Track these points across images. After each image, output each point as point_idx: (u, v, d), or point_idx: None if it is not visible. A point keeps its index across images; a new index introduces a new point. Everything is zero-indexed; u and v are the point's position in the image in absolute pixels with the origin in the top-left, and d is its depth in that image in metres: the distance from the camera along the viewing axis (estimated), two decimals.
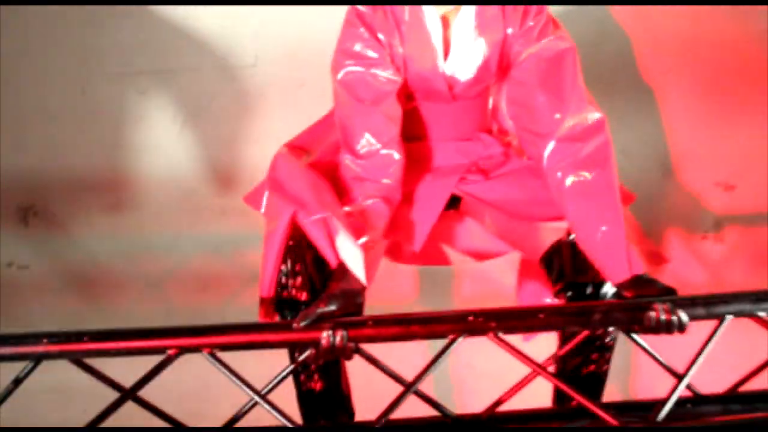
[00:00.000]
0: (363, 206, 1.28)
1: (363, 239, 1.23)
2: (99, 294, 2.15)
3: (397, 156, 1.36)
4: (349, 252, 1.20)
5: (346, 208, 1.28)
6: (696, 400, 1.21)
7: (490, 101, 1.55)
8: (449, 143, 1.49)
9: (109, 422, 1.11)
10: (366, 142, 1.35)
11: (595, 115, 1.32)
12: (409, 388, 1.14)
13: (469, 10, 1.37)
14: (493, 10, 1.38)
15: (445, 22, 1.39)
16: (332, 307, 1.14)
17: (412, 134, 1.48)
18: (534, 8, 1.38)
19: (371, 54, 1.36)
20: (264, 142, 1.93)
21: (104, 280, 2.16)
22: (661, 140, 2.18)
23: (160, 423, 1.13)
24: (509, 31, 1.39)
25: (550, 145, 1.32)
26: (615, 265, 1.24)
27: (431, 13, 1.37)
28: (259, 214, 1.41)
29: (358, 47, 1.36)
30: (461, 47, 1.39)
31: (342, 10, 1.42)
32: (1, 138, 2.18)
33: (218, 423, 1.14)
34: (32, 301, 2.14)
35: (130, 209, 2.19)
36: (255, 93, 2.17)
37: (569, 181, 1.29)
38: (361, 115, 1.35)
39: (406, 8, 1.37)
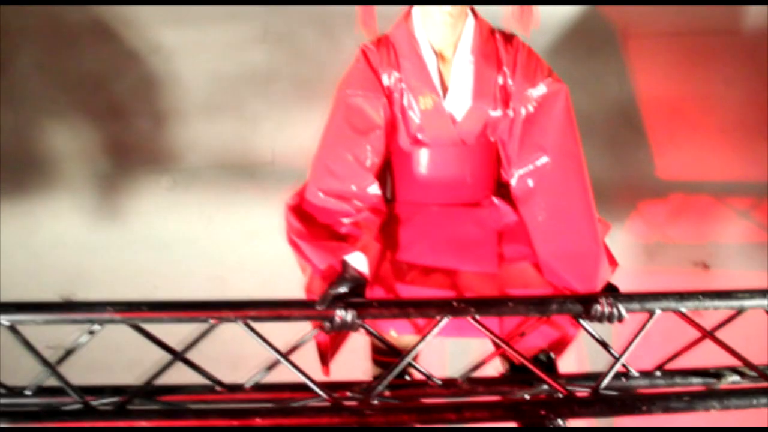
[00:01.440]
0: (357, 219, 1.66)
1: (360, 243, 1.63)
2: None
3: (375, 183, 1.69)
4: (353, 256, 1.61)
5: (345, 220, 1.66)
6: (628, 375, 1.59)
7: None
8: (465, 210, 1.78)
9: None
10: (350, 163, 1.67)
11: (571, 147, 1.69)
12: (404, 358, 1.52)
13: (466, 48, 1.72)
14: (490, 48, 1.74)
15: (442, 57, 1.73)
16: (343, 289, 1.55)
17: (425, 192, 1.79)
18: (526, 49, 1.74)
19: (368, 89, 1.70)
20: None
21: None
22: None
23: (202, 380, 1.50)
24: (505, 69, 1.72)
25: (515, 175, 1.73)
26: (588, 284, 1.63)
27: (427, 50, 1.71)
28: None
29: (358, 81, 1.72)
30: (459, 85, 1.72)
31: None
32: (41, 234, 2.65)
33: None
34: None
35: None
36: (273, 188, 2.67)
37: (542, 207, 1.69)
38: (348, 140, 1.69)
39: (405, 43, 1.73)
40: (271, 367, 1.52)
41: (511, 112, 1.75)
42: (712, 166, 2.70)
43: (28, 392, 1.50)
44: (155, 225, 2.69)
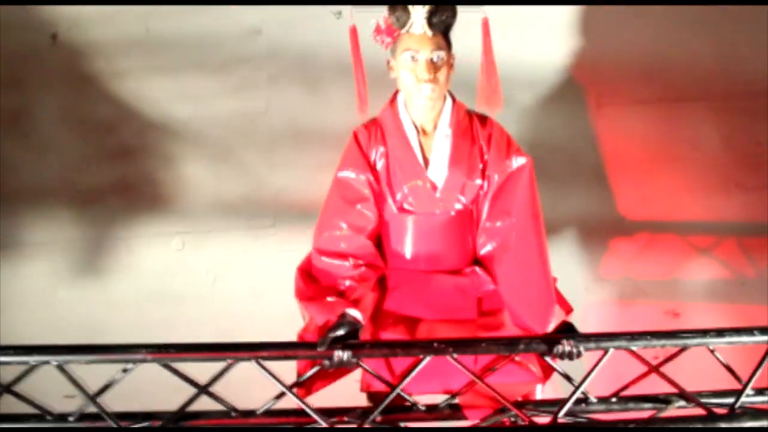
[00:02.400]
0: (354, 274, 2.06)
1: (355, 297, 2.01)
2: None
3: (369, 242, 2.10)
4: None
5: (344, 281, 2.05)
6: (587, 401, 1.96)
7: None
8: (447, 277, 2.14)
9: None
10: (344, 229, 2.10)
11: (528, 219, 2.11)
12: (395, 389, 1.89)
13: (444, 124, 2.13)
14: (466, 125, 2.14)
15: (423, 132, 2.15)
16: (340, 332, 1.92)
17: (410, 258, 2.17)
18: (498, 128, 2.16)
19: (357, 166, 2.14)
20: (289, 293, 2.76)
21: None
22: None
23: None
24: (482, 143, 2.13)
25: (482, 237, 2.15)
26: (542, 326, 2.02)
27: (410, 127, 2.13)
28: None
29: (350, 160, 2.16)
30: (438, 156, 2.13)
31: None
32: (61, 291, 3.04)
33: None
34: None
35: None
36: (275, 250, 3.07)
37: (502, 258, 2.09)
38: (341, 209, 2.11)
39: (391, 122, 2.14)
40: (279, 396, 1.88)
41: (485, 183, 2.16)
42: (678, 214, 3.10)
43: (71, 418, 1.86)
44: (167, 282, 3.08)
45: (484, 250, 2.19)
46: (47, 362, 1.82)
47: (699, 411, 1.93)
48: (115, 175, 3.10)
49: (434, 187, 2.16)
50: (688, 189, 3.10)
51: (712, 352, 2.01)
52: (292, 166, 3.09)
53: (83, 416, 1.85)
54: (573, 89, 3.12)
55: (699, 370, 2.06)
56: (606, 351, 1.93)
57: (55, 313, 3.08)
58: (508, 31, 2.92)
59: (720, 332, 1.98)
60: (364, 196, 2.15)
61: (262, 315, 3.01)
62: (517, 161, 2.16)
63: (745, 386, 1.94)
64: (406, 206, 2.18)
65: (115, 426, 1.79)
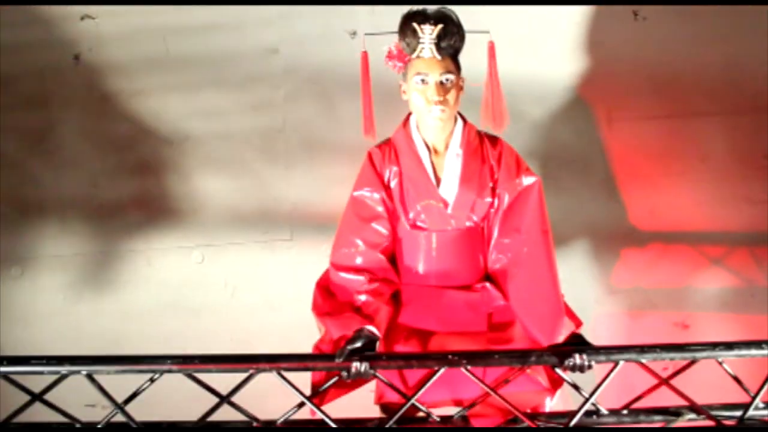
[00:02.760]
0: (370, 288, 2.17)
1: (370, 312, 2.12)
2: None
3: (383, 258, 2.22)
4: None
5: (360, 295, 2.16)
6: (597, 412, 2.04)
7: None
8: (458, 293, 2.25)
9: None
10: (359, 245, 2.21)
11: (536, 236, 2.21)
12: (410, 399, 1.98)
13: (455, 144, 2.23)
14: (476, 145, 2.24)
15: (435, 152, 2.24)
16: (358, 344, 2.01)
17: (423, 273, 2.25)
18: (508, 148, 2.27)
19: (371, 185, 2.25)
20: (305, 305, 2.84)
21: None
22: None
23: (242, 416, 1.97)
24: (492, 162, 2.23)
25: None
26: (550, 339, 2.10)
27: (422, 147, 2.23)
28: None
29: (364, 180, 2.27)
30: (449, 175, 2.22)
31: None
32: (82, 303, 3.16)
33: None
34: None
35: None
36: (292, 263, 3.17)
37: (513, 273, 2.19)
38: (357, 226, 2.24)
39: (403, 143, 2.25)
40: (300, 406, 1.97)
41: (496, 201, 2.26)
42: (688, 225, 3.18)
43: (99, 426, 1.96)
44: (186, 294, 3.19)
45: (496, 266, 2.28)
46: (78, 372, 1.91)
47: (709, 423, 2.00)
48: (135, 190, 3.23)
49: (446, 205, 2.26)
50: (697, 202, 3.18)
51: (720, 364, 2.08)
52: (308, 181, 3.19)
53: (110, 425, 1.95)
54: (584, 105, 3.21)
55: (710, 381, 2.14)
56: (616, 363, 2.01)
57: (74, 324, 3.21)
58: (520, 49, 3.07)
59: (729, 345, 2.04)
60: (378, 213, 2.27)
61: (279, 327, 3.11)
62: (527, 180, 2.27)
63: (753, 399, 2.01)
64: (419, 223, 2.28)
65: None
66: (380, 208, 2.27)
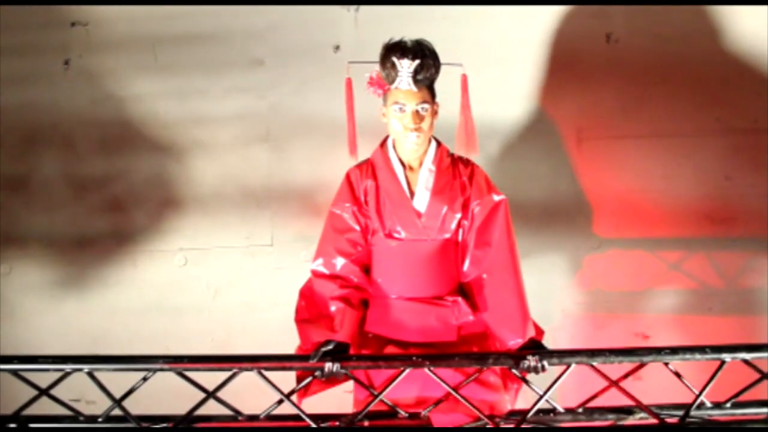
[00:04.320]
0: (341, 294, 2.46)
1: (338, 323, 2.40)
2: None
3: (356, 267, 2.51)
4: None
5: (333, 302, 2.44)
6: (554, 411, 2.31)
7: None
8: (430, 307, 2.50)
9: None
10: (334, 255, 2.51)
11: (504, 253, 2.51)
12: (378, 396, 2.24)
13: (429, 161, 2.50)
14: (448, 163, 2.52)
15: (410, 168, 2.52)
16: (329, 347, 2.28)
17: (397, 282, 2.51)
18: (479, 169, 2.56)
19: (346, 200, 2.54)
20: (283, 308, 3.06)
21: None
22: None
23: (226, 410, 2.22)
24: (464, 180, 2.51)
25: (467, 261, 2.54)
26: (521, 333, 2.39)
27: (397, 164, 2.51)
28: None
29: (341, 196, 2.55)
30: (422, 187, 2.50)
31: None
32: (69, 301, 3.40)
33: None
34: None
35: None
36: (272, 267, 3.43)
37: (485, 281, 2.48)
38: (332, 238, 2.53)
39: (381, 160, 2.52)
40: (279, 402, 2.23)
41: (469, 215, 2.55)
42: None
43: (100, 419, 2.21)
44: (169, 296, 3.44)
45: (470, 276, 2.56)
46: (80, 369, 2.15)
47: (654, 421, 2.27)
48: (122, 193, 3.48)
49: (418, 215, 2.52)
50: (661, 219, 3.45)
51: (666, 365, 2.34)
52: (289, 190, 3.45)
53: (109, 418, 2.20)
54: (555, 124, 3.46)
55: (670, 382, 2.40)
56: (568, 366, 2.28)
57: (61, 322, 3.47)
58: (494, 68, 3.33)
59: (674, 350, 2.31)
60: (351, 227, 2.55)
61: (258, 328, 3.38)
62: (497, 197, 2.57)
63: (695, 400, 2.28)
64: (394, 234, 2.54)
65: (137, 426, 2.13)
66: (353, 222, 2.55)
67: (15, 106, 3.46)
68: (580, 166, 3.47)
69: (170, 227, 3.46)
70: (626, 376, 2.39)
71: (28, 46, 3.45)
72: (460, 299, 2.55)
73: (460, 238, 2.58)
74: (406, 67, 2.41)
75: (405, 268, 2.56)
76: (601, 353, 2.30)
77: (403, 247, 2.55)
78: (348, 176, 2.61)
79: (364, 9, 3.42)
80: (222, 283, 3.46)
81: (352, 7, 3.42)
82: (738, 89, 3.41)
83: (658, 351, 2.32)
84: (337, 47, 3.42)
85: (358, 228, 2.55)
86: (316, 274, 2.56)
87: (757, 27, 3.35)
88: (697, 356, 2.30)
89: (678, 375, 2.37)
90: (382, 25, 3.30)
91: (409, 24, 3.28)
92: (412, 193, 2.54)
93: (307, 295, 2.57)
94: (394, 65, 2.43)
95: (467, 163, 2.61)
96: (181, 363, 2.21)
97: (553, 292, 3.46)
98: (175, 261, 3.46)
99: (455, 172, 2.57)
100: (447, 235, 2.56)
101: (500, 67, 3.40)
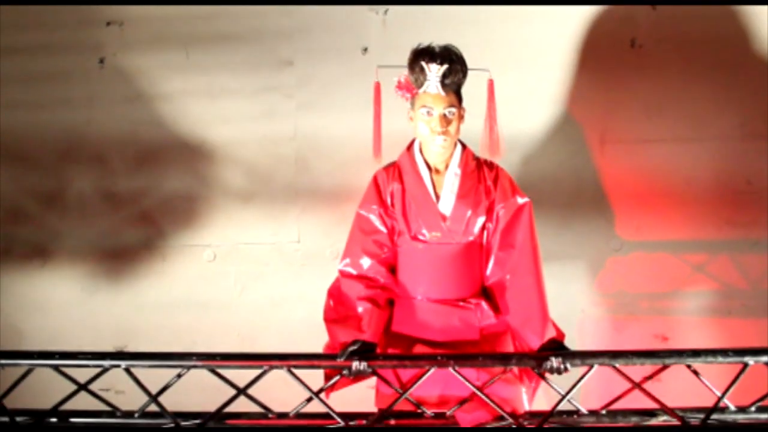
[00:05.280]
0: (368, 294, 2.49)
1: (367, 319, 2.43)
2: None
3: (382, 267, 2.54)
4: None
5: (360, 302, 2.48)
6: (578, 413, 2.32)
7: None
8: (453, 309, 2.53)
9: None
10: (361, 255, 2.54)
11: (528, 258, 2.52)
12: (403, 394, 2.26)
13: (454, 164, 2.53)
14: (473, 167, 2.54)
15: (436, 171, 2.54)
16: (355, 347, 2.31)
17: (423, 283, 2.54)
18: (504, 172, 2.57)
19: (373, 203, 2.57)
20: (308, 304, 3.14)
21: None
22: None
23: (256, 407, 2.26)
24: (489, 184, 2.53)
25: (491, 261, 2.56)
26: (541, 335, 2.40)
27: (423, 167, 2.53)
28: None
29: (367, 198, 2.59)
30: (448, 191, 2.52)
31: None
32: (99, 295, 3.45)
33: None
34: None
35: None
36: (299, 263, 3.46)
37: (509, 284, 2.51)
38: (359, 239, 2.57)
39: (407, 164, 2.55)
40: (308, 400, 2.26)
41: (494, 218, 2.56)
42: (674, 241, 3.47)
43: (136, 414, 2.25)
44: (196, 290, 3.49)
45: (494, 278, 2.58)
46: (118, 366, 2.19)
47: (676, 423, 2.26)
48: (153, 190, 3.52)
49: (444, 218, 2.54)
50: (683, 222, 3.45)
51: (688, 367, 2.33)
52: (316, 188, 3.48)
53: (144, 414, 2.24)
54: (579, 127, 3.47)
55: (691, 385, 2.40)
56: (591, 366, 2.29)
57: (91, 315, 3.53)
58: (521, 71, 3.34)
59: (696, 352, 2.29)
60: (377, 228, 2.59)
61: (283, 324, 3.42)
62: (522, 200, 2.58)
63: (717, 402, 2.27)
64: (419, 236, 2.57)
65: (172, 422, 2.17)
66: (380, 224, 2.58)
67: (51, 102, 3.50)
68: (603, 168, 3.47)
69: (199, 223, 3.50)
70: (648, 378, 2.40)
71: (65, 44, 3.50)
72: (483, 302, 2.57)
73: (484, 240, 2.60)
74: (434, 71, 2.44)
75: (430, 270, 2.58)
76: (623, 355, 2.30)
77: (429, 250, 2.57)
78: (375, 179, 2.63)
79: (393, 11, 3.43)
80: (249, 279, 3.50)
81: (381, 9, 3.42)
82: (760, 95, 3.40)
83: (680, 353, 2.31)
84: (365, 49, 3.44)
85: (384, 230, 2.58)
86: (343, 274, 2.59)
87: None
88: (720, 359, 2.28)
89: (697, 374, 2.36)
90: (409, 27, 3.39)
91: (437, 26, 3.38)
92: (437, 196, 2.56)
93: (335, 294, 2.59)
94: (422, 69, 2.45)
95: (492, 166, 2.62)
96: (213, 360, 2.24)
97: (574, 293, 3.46)
98: (203, 257, 3.49)
99: (480, 176, 2.59)
100: (471, 238, 2.57)
101: (527, 70, 3.41)
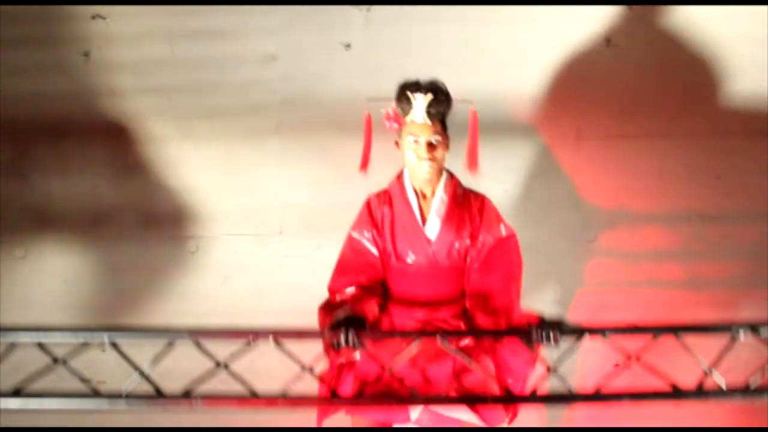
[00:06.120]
0: (351, 292, 2.58)
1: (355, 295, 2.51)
2: None
3: (373, 285, 2.62)
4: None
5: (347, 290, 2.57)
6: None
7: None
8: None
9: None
10: (351, 272, 2.63)
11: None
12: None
13: (440, 191, 2.64)
14: (459, 194, 2.66)
15: (424, 197, 2.66)
16: (341, 315, 2.31)
17: (408, 302, 2.63)
18: (489, 202, 2.69)
19: (364, 227, 2.67)
20: (292, 294, 3.21)
21: None
22: None
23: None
24: (474, 211, 2.64)
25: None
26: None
27: (411, 193, 2.65)
28: None
29: (360, 222, 2.68)
30: (434, 216, 2.64)
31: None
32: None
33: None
34: None
35: None
36: (281, 255, 3.47)
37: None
38: (350, 260, 2.66)
39: (397, 190, 2.66)
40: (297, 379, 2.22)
41: (477, 245, 2.66)
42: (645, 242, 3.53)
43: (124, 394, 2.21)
44: (180, 281, 3.48)
45: (471, 301, 2.65)
46: (102, 341, 2.13)
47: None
48: (137, 182, 3.51)
49: (429, 242, 2.65)
50: (654, 217, 3.51)
51: (676, 337, 2.23)
52: (299, 181, 3.50)
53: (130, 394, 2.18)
54: (556, 123, 3.53)
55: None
56: (581, 335, 2.23)
57: (73, 306, 3.47)
58: (498, 68, 3.39)
59: (687, 327, 2.21)
60: (369, 250, 2.68)
61: (267, 313, 3.40)
62: (506, 230, 2.69)
63: (707, 374, 2.23)
64: (406, 258, 2.67)
65: (159, 395, 2.13)
66: (372, 245, 2.68)
67: (36, 95, 3.49)
68: (577, 163, 3.52)
69: (183, 216, 3.50)
70: (642, 351, 2.34)
71: (49, 38, 3.49)
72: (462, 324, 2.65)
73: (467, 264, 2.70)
74: (420, 101, 2.55)
75: (416, 290, 2.67)
76: (614, 329, 2.25)
77: (415, 271, 2.66)
78: (368, 203, 2.73)
79: (376, 8, 3.46)
80: (232, 269, 3.50)
81: (364, 8, 3.45)
82: (730, 93, 3.49)
83: (673, 328, 2.27)
84: (348, 45, 3.47)
85: (375, 252, 2.67)
86: (332, 289, 2.66)
87: (753, 30, 3.42)
88: (711, 331, 2.24)
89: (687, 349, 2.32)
90: (391, 24, 3.42)
91: (418, 25, 3.42)
92: (424, 220, 2.67)
93: (325, 307, 2.64)
94: (409, 100, 2.57)
95: (477, 196, 2.74)
96: (198, 333, 2.21)
97: (548, 287, 3.49)
98: (187, 248, 3.49)
99: (466, 203, 2.70)
100: (455, 262, 2.67)
101: (504, 68, 3.46)
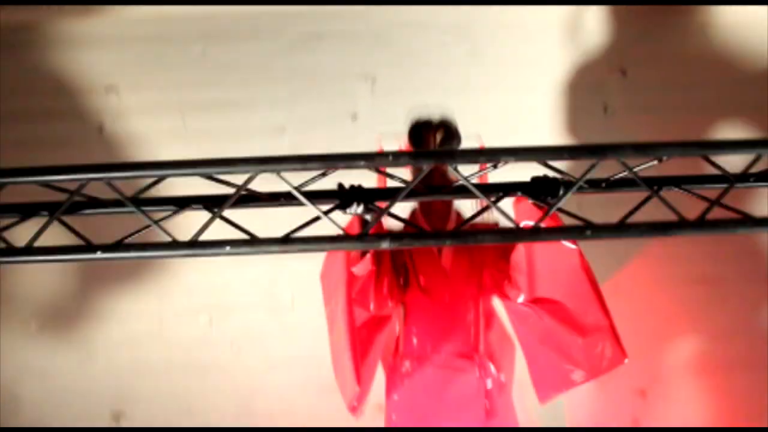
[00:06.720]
0: None
1: None
2: None
3: None
4: None
5: None
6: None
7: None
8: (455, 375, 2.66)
9: None
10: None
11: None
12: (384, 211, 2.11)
13: (454, 222, 2.69)
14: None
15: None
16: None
17: (425, 335, 2.68)
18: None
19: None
20: (301, 368, 3.21)
21: None
22: None
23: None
24: None
25: None
26: None
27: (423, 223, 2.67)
28: None
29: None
30: (449, 249, 2.69)
31: None
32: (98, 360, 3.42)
33: None
34: None
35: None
36: (292, 326, 3.49)
37: None
38: None
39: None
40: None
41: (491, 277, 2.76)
42: None
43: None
44: (194, 354, 3.48)
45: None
46: (100, 179, 2.10)
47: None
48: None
49: (445, 271, 2.72)
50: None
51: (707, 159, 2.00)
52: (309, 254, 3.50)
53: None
54: None
55: None
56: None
57: (88, 382, 3.49)
58: (496, 133, 3.42)
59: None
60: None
61: (279, 386, 3.43)
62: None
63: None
64: (422, 288, 2.71)
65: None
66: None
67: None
68: None
69: (197, 289, 3.51)
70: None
71: (64, 111, 3.53)
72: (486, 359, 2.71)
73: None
74: (431, 137, 2.61)
75: (433, 321, 2.70)
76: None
77: (431, 301, 2.70)
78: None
79: (381, 81, 3.52)
80: (245, 342, 3.51)
81: (370, 78, 3.52)
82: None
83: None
84: (355, 116, 3.53)
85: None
86: None
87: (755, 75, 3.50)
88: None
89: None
90: (397, 95, 3.48)
91: (423, 93, 3.47)
92: (440, 250, 2.72)
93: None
94: (421, 136, 2.63)
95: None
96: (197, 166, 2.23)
97: None
98: (199, 320, 3.50)
99: None
100: (472, 290, 2.72)
101: (508, 135, 3.43)
